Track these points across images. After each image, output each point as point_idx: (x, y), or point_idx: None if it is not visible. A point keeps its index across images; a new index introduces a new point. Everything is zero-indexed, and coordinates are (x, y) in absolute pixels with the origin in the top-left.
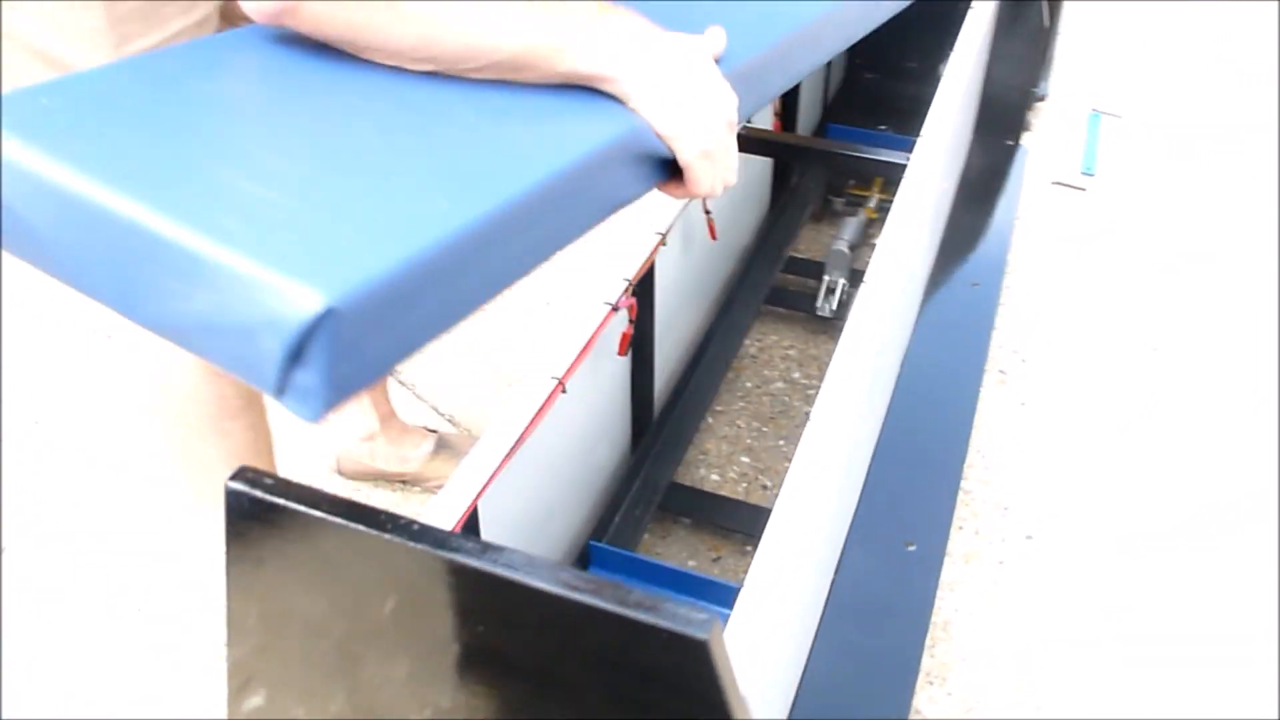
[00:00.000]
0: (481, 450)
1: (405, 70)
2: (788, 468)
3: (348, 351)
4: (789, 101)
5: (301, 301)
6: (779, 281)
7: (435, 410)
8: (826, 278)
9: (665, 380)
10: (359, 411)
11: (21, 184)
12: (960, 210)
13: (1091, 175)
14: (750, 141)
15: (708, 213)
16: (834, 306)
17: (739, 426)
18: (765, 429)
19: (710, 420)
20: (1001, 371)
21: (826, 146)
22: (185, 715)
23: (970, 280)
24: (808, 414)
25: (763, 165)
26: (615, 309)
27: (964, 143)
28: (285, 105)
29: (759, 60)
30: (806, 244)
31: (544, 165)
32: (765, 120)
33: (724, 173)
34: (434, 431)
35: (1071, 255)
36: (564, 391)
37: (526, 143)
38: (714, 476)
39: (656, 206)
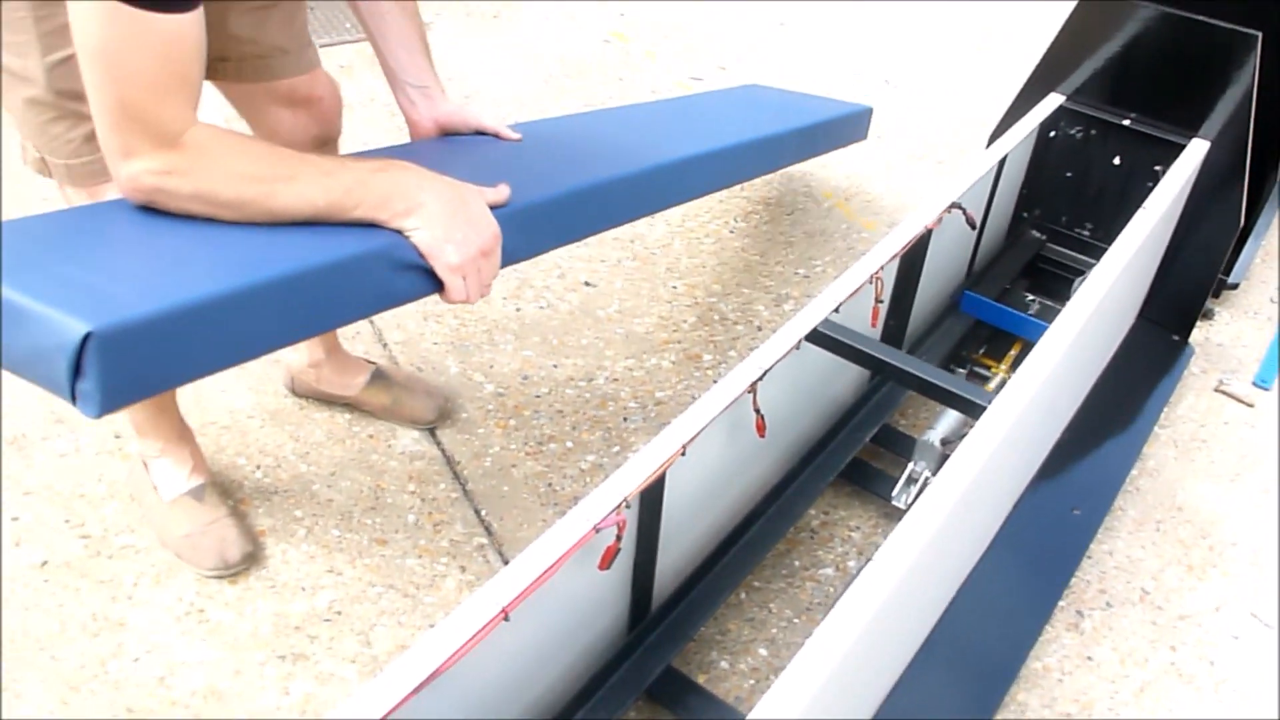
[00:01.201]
0: (395, 676)
1: None
2: None
3: (114, 369)
4: (913, 265)
5: (74, 328)
6: (866, 451)
7: (381, 341)
8: (911, 466)
9: (688, 559)
10: (309, 342)
11: None
12: (1088, 412)
13: (1266, 389)
14: (837, 346)
15: (758, 411)
16: (910, 500)
17: (769, 611)
18: (796, 620)
19: (744, 596)
20: (1079, 613)
21: (906, 366)
22: None
23: (1071, 504)
24: None
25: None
26: (597, 530)
27: (1118, 329)
28: (136, 235)
29: (538, 209)
30: (913, 412)
31: (303, 259)
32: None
33: (476, 290)
34: (373, 364)
35: (1212, 486)
36: (506, 620)
37: (299, 245)
38: (723, 663)
39: (693, 415)
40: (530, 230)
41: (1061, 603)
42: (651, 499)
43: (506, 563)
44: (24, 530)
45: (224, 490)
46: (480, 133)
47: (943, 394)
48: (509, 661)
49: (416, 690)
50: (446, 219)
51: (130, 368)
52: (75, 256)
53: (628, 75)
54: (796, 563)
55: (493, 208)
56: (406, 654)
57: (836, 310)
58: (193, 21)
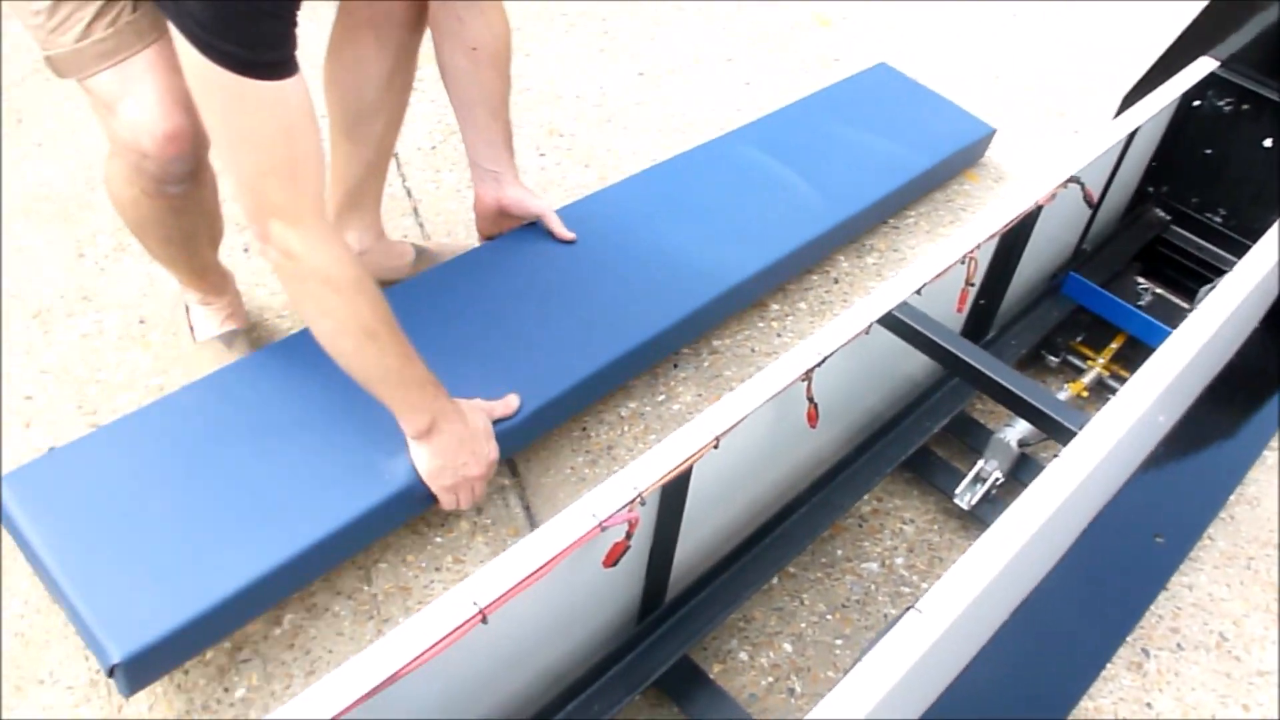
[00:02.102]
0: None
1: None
2: (827, 686)
3: (139, 670)
4: (1015, 244)
5: (105, 655)
6: (933, 440)
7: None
8: (980, 464)
9: (712, 547)
10: (359, 230)
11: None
12: (1188, 425)
13: None
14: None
15: (811, 400)
16: (974, 501)
17: (801, 602)
18: (830, 617)
19: (776, 582)
20: (1145, 652)
21: (991, 372)
22: None
23: (1155, 528)
24: (887, 618)
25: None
26: (603, 528)
27: (1239, 335)
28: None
29: (547, 409)
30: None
31: (331, 521)
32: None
33: (467, 501)
34: (415, 244)
35: None
36: (484, 623)
37: (327, 498)
38: (742, 654)
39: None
40: (537, 423)
41: (1128, 637)
42: (674, 492)
43: (528, 509)
44: (35, 412)
45: (256, 343)
46: (538, 219)
47: (1029, 410)
48: (486, 660)
49: (370, 695)
50: (453, 451)
51: (152, 666)
52: (117, 549)
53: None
54: (839, 551)
55: (502, 420)
56: (367, 654)
57: (919, 293)
58: (293, 88)
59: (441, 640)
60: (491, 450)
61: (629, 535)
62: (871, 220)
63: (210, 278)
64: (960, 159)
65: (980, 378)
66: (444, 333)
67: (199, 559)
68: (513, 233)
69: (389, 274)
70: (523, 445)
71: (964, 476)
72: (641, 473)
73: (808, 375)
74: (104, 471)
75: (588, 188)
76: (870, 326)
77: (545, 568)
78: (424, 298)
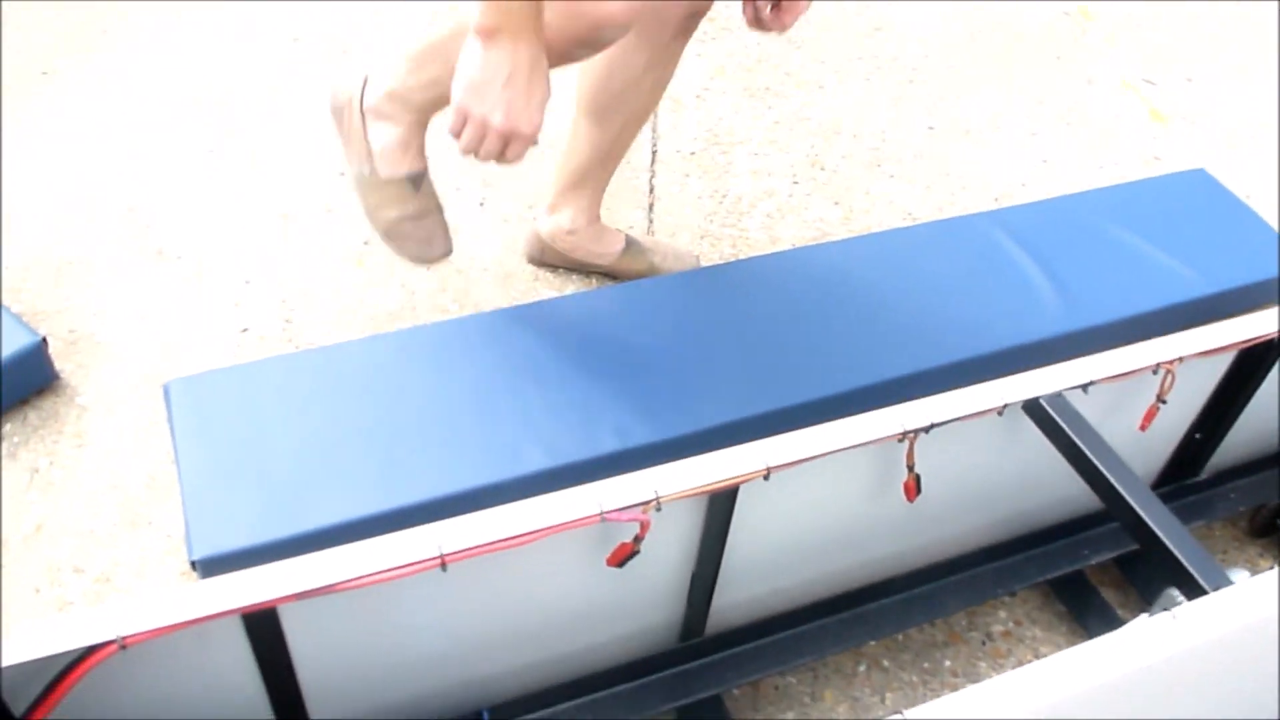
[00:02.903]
0: (284, 573)
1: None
2: None
3: (217, 569)
4: (1255, 370)
5: (189, 548)
6: (1103, 576)
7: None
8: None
9: (769, 594)
10: (574, 210)
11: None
12: None
13: None
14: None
15: (912, 470)
16: None
17: (881, 700)
18: None
19: (860, 669)
20: None
21: (1133, 497)
22: None
23: None
24: None
25: None
26: (604, 519)
27: None
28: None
29: None
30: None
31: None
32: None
33: (468, 144)
34: (625, 233)
35: None
36: (443, 569)
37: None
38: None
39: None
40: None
41: None
42: (718, 513)
43: None
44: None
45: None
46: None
47: (1186, 581)
48: (448, 617)
49: (301, 596)
50: (494, 79)
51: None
52: (237, 464)
53: (1068, 55)
54: (947, 663)
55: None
56: (314, 558)
57: (1084, 389)
58: None
59: (393, 570)
60: (532, 113)
61: (637, 539)
62: (1118, 337)
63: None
64: (1258, 292)
65: (1128, 515)
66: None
67: (305, 492)
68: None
69: (595, 259)
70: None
71: (1121, 626)
72: (665, 478)
73: (908, 437)
74: (258, 396)
75: (827, 224)
76: (1004, 408)
77: (524, 537)
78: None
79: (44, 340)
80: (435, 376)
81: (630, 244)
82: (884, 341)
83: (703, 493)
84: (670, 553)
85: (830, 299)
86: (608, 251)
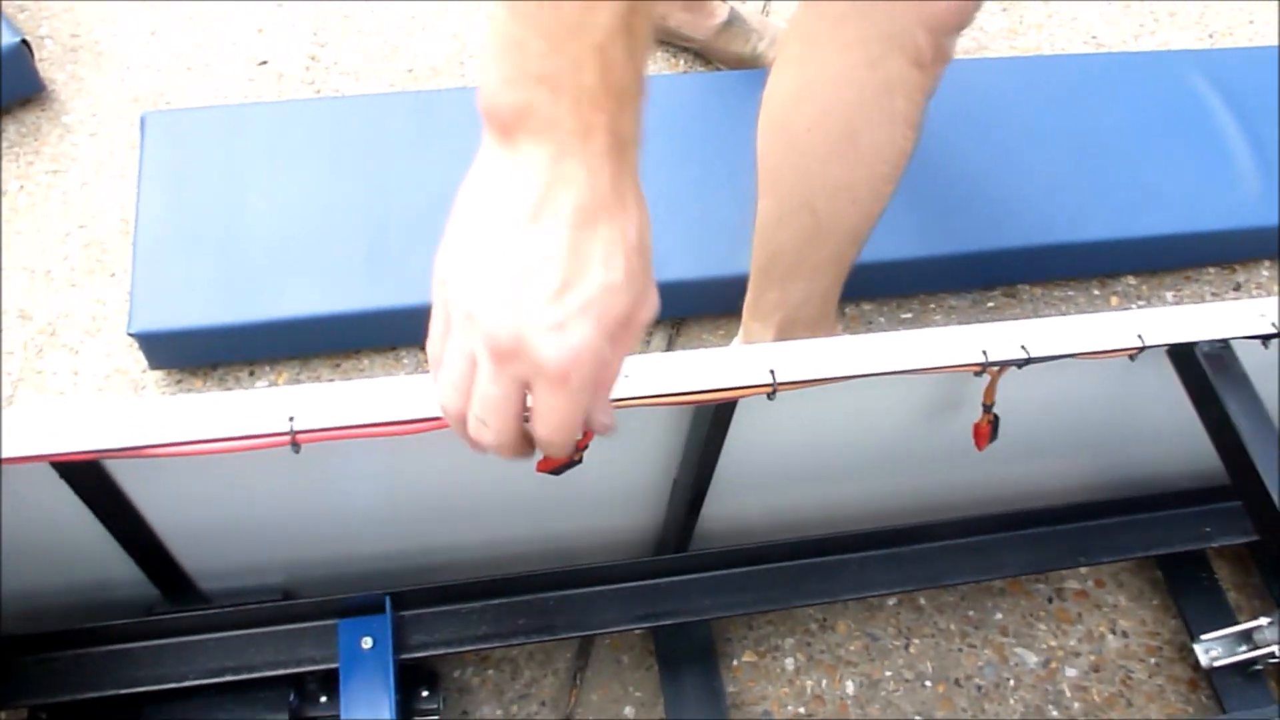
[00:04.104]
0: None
1: None
2: None
3: (157, 349)
4: None
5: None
6: (1223, 557)
7: None
8: (1261, 622)
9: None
10: None
11: None
12: None
13: None
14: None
15: (989, 409)
16: (1219, 661)
17: (906, 644)
18: (928, 684)
19: (893, 603)
20: None
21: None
22: None
23: None
24: None
25: None
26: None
27: None
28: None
29: None
30: None
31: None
32: None
33: (460, 422)
34: (733, 9)
35: None
36: (294, 450)
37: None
38: (789, 661)
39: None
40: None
41: None
42: (710, 421)
43: None
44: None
45: None
46: None
47: None
48: (340, 491)
49: (126, 453)
50: (475, 249)
51: (169, 353)
52: (199, 228)
53: None
54: (998, 615)
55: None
56: (138, 406)
57: (1265, 342)
58: None
59: (233, 440)
60: (577, 330)
61: (579, 448)
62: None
63: None
64: None
65: (1258, 501)
66: None
67: (275, 273)
68: None
69: (687, 30)
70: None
71: (1230, 623)
72: (635, 376)
73: (990, 370)
74: (248, 147)
75: (987, 36)
76: (1140, 350)
77: (415, 425)
78: None
79: (25, 42)
80: (463, 156)
81: (733, 20)
82: (1026, 195)
83: (682, 403)
84: (647, 449)
85: (973, 129)
86: (702, 24)
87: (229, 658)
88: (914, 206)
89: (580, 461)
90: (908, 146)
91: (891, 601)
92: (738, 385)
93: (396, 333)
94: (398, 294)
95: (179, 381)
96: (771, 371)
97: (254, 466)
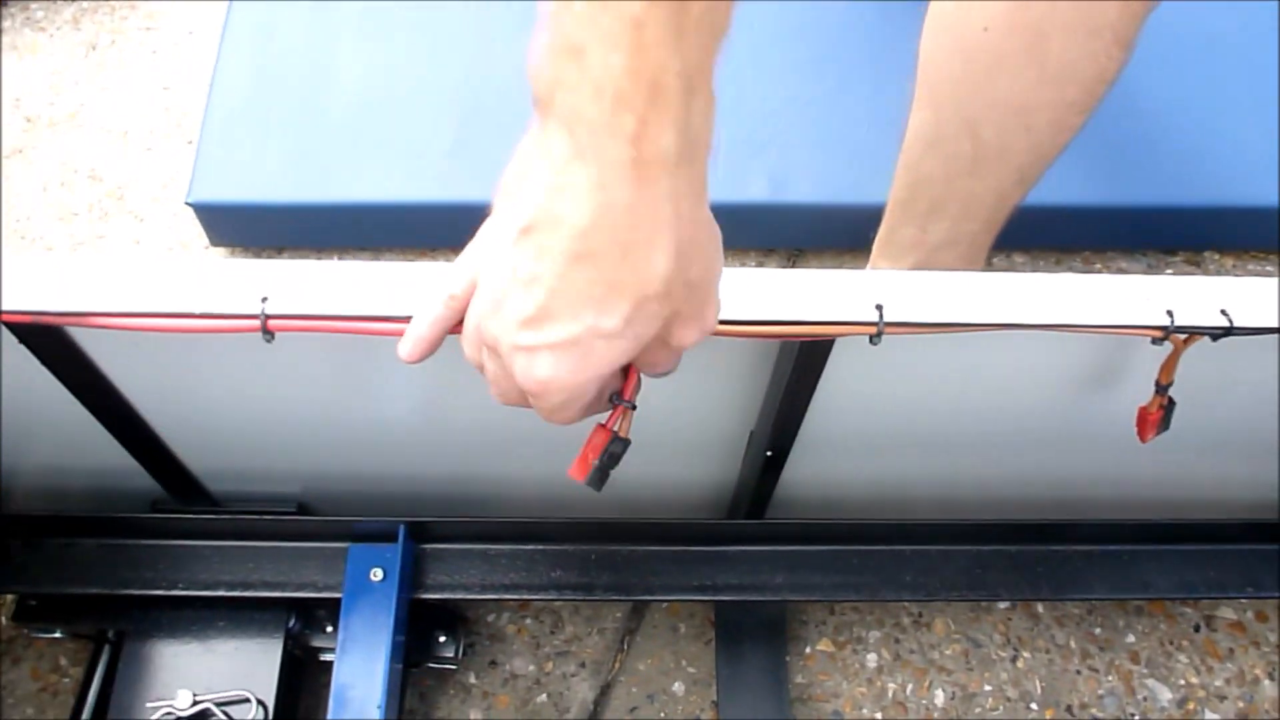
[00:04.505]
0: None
1: None
2: None
3: (216, 223)
4: None
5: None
6: None
7: None
8: None
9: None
10: None
11: None
12: None
13: None
14: None
15: (1163, 391)
16: None
17: (1014, 657)
18: (1034, 707)
19: (1007, 609)
20: None
21: None
22: None
23: None
24: None
25: None
26: None
27: None
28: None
29: None
30: None
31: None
32: None
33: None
34: None
35: None
36: (266, 338)
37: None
38: (871, 657)
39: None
40: None
41: None
42: (795, 361)
43: None
44: None
45: None
46: None
47: None
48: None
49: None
50: (484, 235)
51: (228, 229)
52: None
53: None
54: (1130, 638)
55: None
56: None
57: None
58: None
59: (200, 319)
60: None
61: (614, 433)
62: None
63: None
64: None
65: None
66: None
67: (351, 156)
68: None
69: None
70: None
71: None
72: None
73: (1176, 336)
74: (339, 33)
75: None
76: None
77: (382, 323)
78: None
79: None
80: None
81: None
82: (1226, 146)
83: (756, 334)
84: (719, 391)
85: (1170, 65)
86: None
87: (225, 570)
88: (1091, 145)
89: (628, 443)
90: (1111, 69)
91: (1003, 605)
92: (829, 320)
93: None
94: (484, 189)
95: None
96: (879, 307)
97: (232, 352)
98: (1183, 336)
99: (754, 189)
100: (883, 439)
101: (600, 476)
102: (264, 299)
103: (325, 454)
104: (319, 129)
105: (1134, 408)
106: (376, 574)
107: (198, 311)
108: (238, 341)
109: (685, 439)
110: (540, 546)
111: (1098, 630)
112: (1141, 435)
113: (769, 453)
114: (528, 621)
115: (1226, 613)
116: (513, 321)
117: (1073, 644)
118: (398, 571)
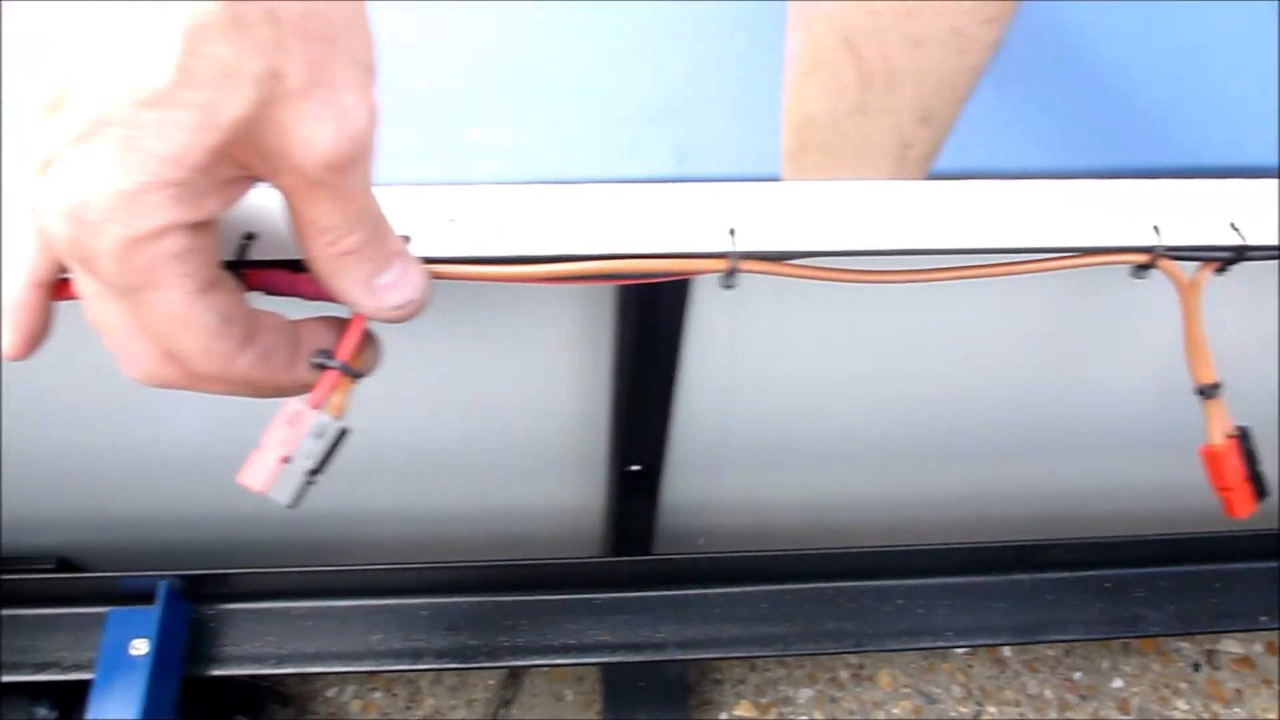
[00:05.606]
0: None
1: None
2: None
3: None
4: None
5: None
6: None
7: None
8: None
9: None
10: None
11: None
12: None
13: None
14: None
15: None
16: None
17: (976, 709)
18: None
19: (968, 655)
20: None
21: None
22: None
23: None
24: None
25: None
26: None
27: None
28: None
29: None
30: None
31: None
32: None
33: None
34: None
35: None
36: None
37: None
38: None
39: None
40: None
41: None
42: (638, 310)
43: None
44: None
45: None
46: None
47: None
48: None
49: None
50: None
51: None
52: None
53: None
54: (1118, 682)
55: None
56: None
57: None
58: None
59: None
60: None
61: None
62: None
63: None
64: None
65: None
66: None
67: None
68: None
69: None
70: None
71: None
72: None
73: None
74: None
75: None
76: None
77: None
78: None
79: None
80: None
81: None
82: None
83: (563, 278)
84: (560, 384)
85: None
86: None
87: None
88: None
89: (327, 440)
90: None
91: (960, 650)
92: (656, 251)
93: None
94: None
95: None
96: (731, 231)
97: None
98: (1211, 264)
99: (657, 163)
100: (789, 442)
101: (298, 484)
102: None
103: (90, 493)
104: None
105: (1116, 388)
106: (138, 646)
107: None
108: None
109: (535, 454)
110: (361, 602)
111: (1077, 675)
112: (1230, 508)
113: (633, 466)
114: (376, 695)
115: (1230, 646)
116: (30, 123)
117: (1048, 693)
118: (157, 642)
